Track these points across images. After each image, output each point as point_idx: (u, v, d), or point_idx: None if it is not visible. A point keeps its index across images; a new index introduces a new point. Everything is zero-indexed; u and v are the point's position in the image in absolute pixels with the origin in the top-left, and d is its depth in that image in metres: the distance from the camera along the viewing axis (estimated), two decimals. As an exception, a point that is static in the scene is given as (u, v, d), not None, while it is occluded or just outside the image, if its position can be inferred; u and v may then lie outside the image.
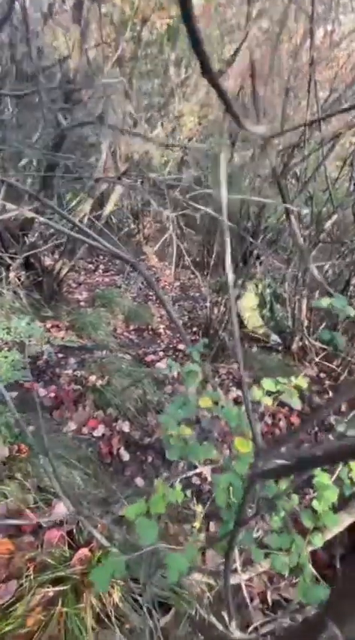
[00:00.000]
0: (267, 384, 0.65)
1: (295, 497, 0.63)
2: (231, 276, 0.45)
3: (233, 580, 0.90)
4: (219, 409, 0.65)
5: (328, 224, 2.72)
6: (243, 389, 0.40)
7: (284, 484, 0.61)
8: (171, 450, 0.64)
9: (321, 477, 0.71)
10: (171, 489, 0.87)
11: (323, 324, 3.34)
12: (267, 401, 0.65)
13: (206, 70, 0.28)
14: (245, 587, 1.39)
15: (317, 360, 3.25)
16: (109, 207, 2.68)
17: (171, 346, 3.36)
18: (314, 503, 0.61)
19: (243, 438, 0.61)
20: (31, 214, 1.05)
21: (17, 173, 2.71)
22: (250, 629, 1.02)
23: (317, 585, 0.56)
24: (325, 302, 0.74)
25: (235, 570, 0.85)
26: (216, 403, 0.65)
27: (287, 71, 3.89)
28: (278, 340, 3.49)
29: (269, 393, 0.65)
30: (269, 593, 1.56)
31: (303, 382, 0.67)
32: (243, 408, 0.76)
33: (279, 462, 0.42)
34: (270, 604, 1.54)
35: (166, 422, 0.61)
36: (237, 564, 0.83)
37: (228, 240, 0.43)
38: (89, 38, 2.82)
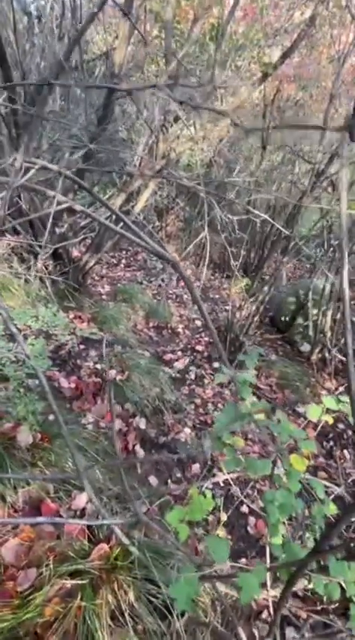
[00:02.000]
0: (328, 401, 0.63)
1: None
2: (345, 283, 0.43)
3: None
4: (275, 423, 0.63)
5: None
6: (352, 409, 0.38)
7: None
8: (227, 462, 0.63)
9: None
10: (203, 497, 0.86)
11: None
12: (328, 419, 0.63)
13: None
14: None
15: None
16: (141, 204, 2.68)
17: (189, 346, 3.34)
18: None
19: (298, 455, 0.59)
20: (79, 207, 1.05)
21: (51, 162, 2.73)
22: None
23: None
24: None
25: (264, 585, 0.83)
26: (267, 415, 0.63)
27: (330, 77, 3.80)
28: (309, 348, 3.46)
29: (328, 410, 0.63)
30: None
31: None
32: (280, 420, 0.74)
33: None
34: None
35: (219, 432, 0.60)
36: (268, 579, 0.81)
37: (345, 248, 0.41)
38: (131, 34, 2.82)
